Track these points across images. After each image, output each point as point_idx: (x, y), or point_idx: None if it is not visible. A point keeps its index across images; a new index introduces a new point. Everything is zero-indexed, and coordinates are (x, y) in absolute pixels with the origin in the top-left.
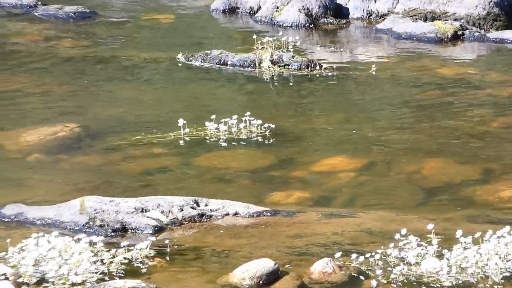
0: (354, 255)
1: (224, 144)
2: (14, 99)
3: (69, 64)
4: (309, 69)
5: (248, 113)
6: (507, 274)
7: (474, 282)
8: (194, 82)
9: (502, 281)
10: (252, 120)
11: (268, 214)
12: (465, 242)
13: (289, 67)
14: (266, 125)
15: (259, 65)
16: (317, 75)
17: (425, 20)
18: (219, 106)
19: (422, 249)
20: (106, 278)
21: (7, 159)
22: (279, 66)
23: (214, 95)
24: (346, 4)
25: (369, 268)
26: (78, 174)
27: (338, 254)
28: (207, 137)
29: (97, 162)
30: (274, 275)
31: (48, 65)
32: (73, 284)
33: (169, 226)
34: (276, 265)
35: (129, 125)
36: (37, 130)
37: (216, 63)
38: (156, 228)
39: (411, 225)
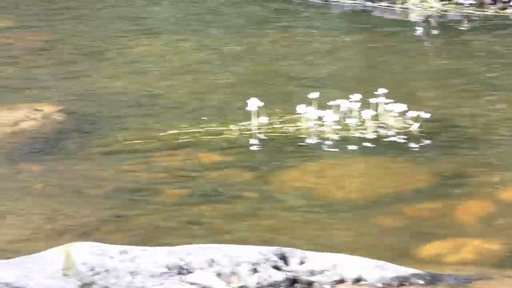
0: None
1: (333, 148)
2: None
3: None
4: (500, 5)
5: (383, 90)
6: None
7: None
8: (273, 28)
9: None
10: (389, 104)
11: (420, 281)
12: None
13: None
14: (413, 113)
15: None
16: None
17: None
18: (323, 76)
19: None
20: None
21: None
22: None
23: (312, 53)
24: None
25: None
26: (59, 200)
27: None
28: (301, 135)
29: (93, 177)
30: None
31: None
32: None
33: None
34: None
35: (152, 108)
36: None
37: None
38: None
39: None
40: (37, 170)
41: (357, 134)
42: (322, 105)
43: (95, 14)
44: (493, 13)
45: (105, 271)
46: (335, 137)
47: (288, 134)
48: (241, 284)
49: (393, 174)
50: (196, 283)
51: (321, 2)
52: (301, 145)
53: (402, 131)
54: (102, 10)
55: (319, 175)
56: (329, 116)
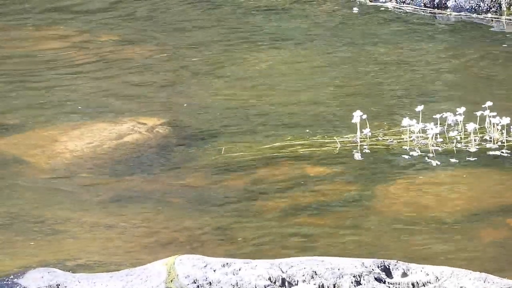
0: None
1: (436, 161)
2: (48, 71)
3: (145, 7)
4: None
5: (489, 103)
6: None
7: None
8: (384, 42)
9: None
10: (493, 117)
11: None
12: None
13: None
14: None
15: (508, 8)
16: None
17: None
18: (430, 89)
19: None
20: None
21: (32, 185)
22: None
23: (419, 65)
24: None
25: None
26: (162, 213)
27: None
28: (405, 148)
29: (195, 190)
30: None
31: (106, 6)
32: None
33: None
34: None
35: (256, 121)
36: (88, 130)
37: (424, 5)
38: None
39: None
40: (141, 183)
41: (460, 147)
42: (428, 118)
43: (206, 28)
44: None
45: (207, 284)
46: (439, 150)
47: (391, 147)
48: None
49: (496, 187)
50: None
51: (427, 14)
52: (405, 157)
53: (505, 144)
54: (211, 23)
55: (421, 188)
56: (433, 129)
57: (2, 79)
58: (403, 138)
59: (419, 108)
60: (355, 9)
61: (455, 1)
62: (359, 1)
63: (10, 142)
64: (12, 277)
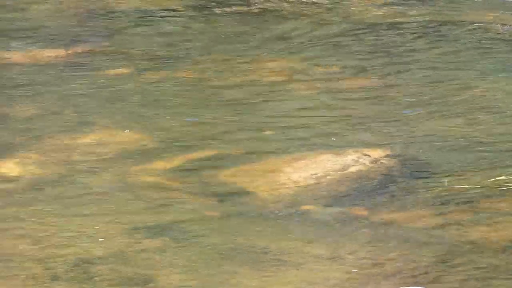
0: None
1: None
2: (266, 102)
3: (370, 31)
4: None
5: None
6: None
7: None
8: None
9: None
10: None
11: None
12: None
13: None
14: None
15: None
16: None
17: None
18: None
19: None
20: None
21: (257, 216)
22: None
23: None
24: None
25: None
26: (386, 245)
27: None
28: None
29: (419, 221)
30: None
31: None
32: None
33: None
34: None
35: (480, 153)
36: (312, 162)
37: None
38: None
39: None
40: (364, 215)
41: None
42: None
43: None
44: None
45: None
46: None
47: None
48: None
49: None
50: None
51: None
52: None
53: None
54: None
55: None
56: None
57: (224, 111)
58: None
59: None
60: None
61: None
62: None
63: (235, 173)
64: None
